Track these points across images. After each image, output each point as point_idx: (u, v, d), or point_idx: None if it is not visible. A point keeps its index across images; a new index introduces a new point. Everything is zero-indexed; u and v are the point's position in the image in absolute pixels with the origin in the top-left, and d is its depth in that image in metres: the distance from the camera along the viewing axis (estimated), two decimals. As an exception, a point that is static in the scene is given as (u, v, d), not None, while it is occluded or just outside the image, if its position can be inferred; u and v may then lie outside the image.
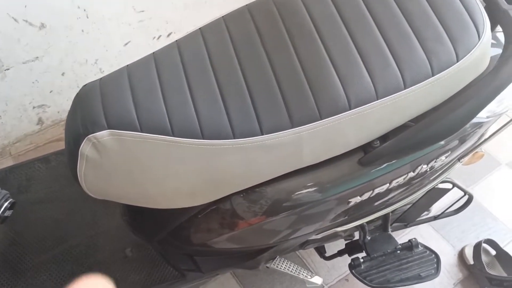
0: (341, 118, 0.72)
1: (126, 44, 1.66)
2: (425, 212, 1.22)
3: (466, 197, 1.17)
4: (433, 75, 0.73)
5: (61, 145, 1.60)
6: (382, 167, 0.83)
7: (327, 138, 0.75)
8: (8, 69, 1.45)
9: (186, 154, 0.73)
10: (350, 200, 0.85)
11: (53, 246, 1.05)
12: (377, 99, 0.72)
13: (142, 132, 0.72)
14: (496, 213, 1.58)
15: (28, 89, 1.55)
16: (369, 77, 0.73)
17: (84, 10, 1.47)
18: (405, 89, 0.73)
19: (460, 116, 0.79)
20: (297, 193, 0.82)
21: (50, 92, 1.61)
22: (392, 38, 0.75)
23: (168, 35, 1.74)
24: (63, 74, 1.58)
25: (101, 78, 0.81)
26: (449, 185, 1.10)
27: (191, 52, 0.80)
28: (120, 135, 0.72)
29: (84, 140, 0.72)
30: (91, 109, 0.74)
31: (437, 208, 1.23)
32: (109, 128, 0.72)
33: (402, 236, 1.47)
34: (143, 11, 1.60)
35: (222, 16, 0.86)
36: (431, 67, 0.73)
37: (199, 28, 0.85)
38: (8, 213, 0.66)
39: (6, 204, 0.66)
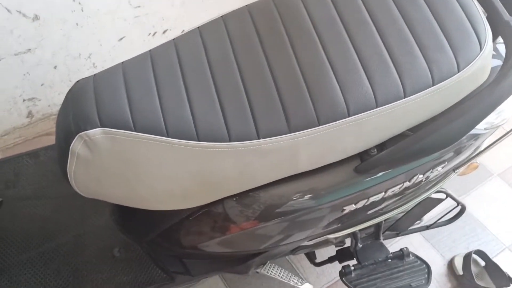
0: (339, 125, 0.71)
1: (120, 39, 1.63)
2: (417, 221, 1.21)
3: (459, 207, 1.16)
4: (433, 85, 0.72)
5: (51, 140, 1.58)
6: (378, 175, 0.82)
7: (324, 144, 0.73)
8: (-1, 60, 1.42)
9: (180, 155, 0.72)
10: (344, 208, 0.84)
11: (39, 243, 1.03)
12: (377, 107, 0.71)
13: (136, 131, 0.71)
14: (486, 224, 1.58)
15: (19, 82, 1.52)
16: (369, 84, 0.72)
17: (79, 3, 1.44)
18: (405, 97, 0.72)
19: (458, 127, 0.78)
20: (291, 199, 0.81)
21: (42, 85, 1.58)
22: (393, 45, 0.74)
23: (164, 32, 1.71)
24: (55, 67, 1.56)
25: (95, 75, 0.79)
26: (442, 195, 1.09)
27: (189, 51, 0.78)
28: (113, 134, 0.70)
29: (76, 138, 0.71)
30: (84, 106, 0.73)
31: (429, 217, 1.22)
32: (101, 126, 0.70)
33: (392, 244, 1.47)
34: (139, 6, 1.58)
35: (221, 16, 0.84)
36: (432, 76, 0.72)
37: (198, 27, 0.83)
38: None
39: None
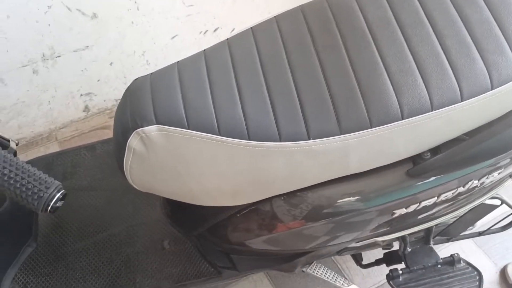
0: (392, 128, 0.70)
1: (173, 37, 1.67)
2: (470, 227, 1.18)
3: (514, 214, 1.12)
4: (492, 89, 0.70)
5: (106, 133, 1.64)
6: (431, 180, 0.80)
7: (376, 147, 0.73)
8: (59, 56, 1.49)
9: (231, 154, 0.73)
10: (394, 211, 0.83)
11: (93, 233, 1.08)
12: (432, 110, 0.70)
13: (189, 129, 0.73)
14: (543, 232, 1.51)
15: (77, 77, 1.59)
16: (424, 87, 0.70)
17: (135, 2, 1.49)
18: (461, 101, 0.70)
19: None
20: (340, 200, 0.81)
21: (98, 81, 1.64)
22: (450, 47, 0.72)
23: (215, 30, 1.74)
24: (111, 64, 1.62)
25: (151, 73, 0.81)
26: (497, 201, 1.06)
27: (242, 51, 0.79)
28: (168, 131, 0.73)
29: (133, 134, 0.73)
30: (141, 104, 0.75)
31: (482, 223, 1.18)
32: (157, 124, 0.73)
33: (442, 249, 1.43)
34: (191, 5, 1.61)
35: (275, 16, 0.85)
36: (491, 80, 0.70)
37: (251, 28, 0.84)
38: (59, 203, 0.67)
39: (58, 195, 0.67)
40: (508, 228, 1.16)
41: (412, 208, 0.83)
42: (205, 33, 1.73)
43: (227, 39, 0.84)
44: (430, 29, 0.74)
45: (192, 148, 0.74)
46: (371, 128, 0.70)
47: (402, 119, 0.70)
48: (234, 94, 0.74)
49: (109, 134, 1.62)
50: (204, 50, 0.83)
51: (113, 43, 1.56)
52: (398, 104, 0.70)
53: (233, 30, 1.74)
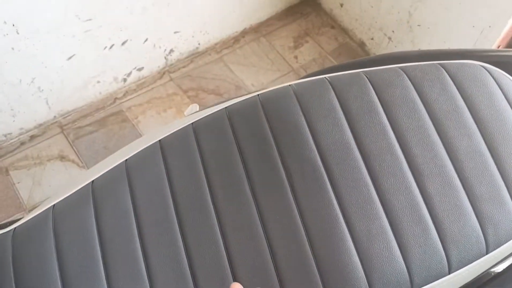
0: None
1: (70, 58, 1.35)
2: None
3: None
4: (487, 253, 0.53)
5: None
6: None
7: None
8: None
9: None
10: None
11: None
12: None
13: None
14: None
15: None
16: (402, 259, 0.51)
17: (13, 24, 1.15)
18: (449, 274, 0.52)
19: None
20: None
21: (-24, 117, 1.31)
22: (433, 194, 0.53)
23: (123, 43, 1.44)
24: (-9, 97, 1.29)
25: (15, 228, 0.56)
26: None
27: (148, 187, 0.56)
28: None
29: None
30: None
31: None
32: None
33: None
34: (90, 19, 1.29)
35: (191, 123, 0.61)
36: (486, 242, 0.52)
37: (159, 140, 0.60)
38: None
39: None
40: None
41: None
42: (111, 47, 1.43)
43: (126, 160, 0.59)
44: (405, 163, 0.55)
45: None
46: None
47: None
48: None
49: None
50: (93, 182, 0.58)
51: (-11, 75, 1.23)
52: (366, 280, 0.51)
53: (146, 41, 1.44)
